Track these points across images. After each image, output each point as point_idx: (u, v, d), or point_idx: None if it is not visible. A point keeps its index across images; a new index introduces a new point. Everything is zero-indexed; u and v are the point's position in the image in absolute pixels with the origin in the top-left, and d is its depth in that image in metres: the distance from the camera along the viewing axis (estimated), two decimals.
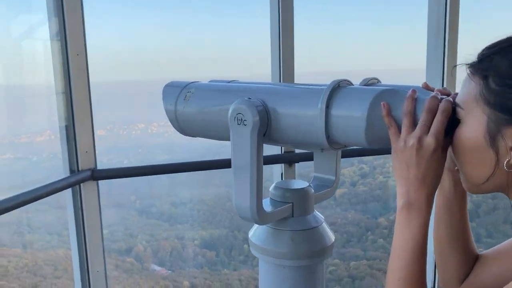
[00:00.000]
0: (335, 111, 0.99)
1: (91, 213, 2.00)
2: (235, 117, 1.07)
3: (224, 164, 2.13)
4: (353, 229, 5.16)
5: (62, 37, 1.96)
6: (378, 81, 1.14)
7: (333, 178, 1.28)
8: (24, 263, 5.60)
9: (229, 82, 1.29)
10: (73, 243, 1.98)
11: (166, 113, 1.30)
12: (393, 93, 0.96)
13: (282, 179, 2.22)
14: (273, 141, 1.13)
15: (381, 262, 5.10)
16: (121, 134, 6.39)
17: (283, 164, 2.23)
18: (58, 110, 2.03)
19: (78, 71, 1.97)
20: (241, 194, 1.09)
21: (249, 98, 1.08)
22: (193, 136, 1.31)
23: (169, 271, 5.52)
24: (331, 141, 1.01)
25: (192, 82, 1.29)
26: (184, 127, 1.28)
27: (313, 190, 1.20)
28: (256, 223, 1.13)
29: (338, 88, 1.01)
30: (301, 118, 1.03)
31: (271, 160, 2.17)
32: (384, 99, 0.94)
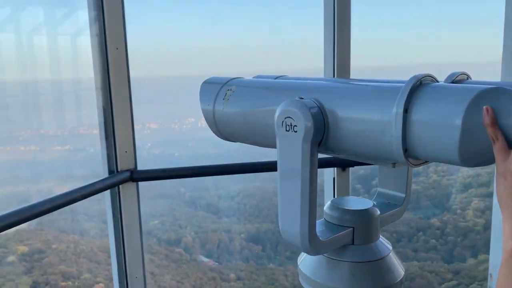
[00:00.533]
0: (416, 117, 0.71)
1: (130, 216, 1.81)
2: (283, 122, 0.81)
3: (270, 167, 1.89)
4: (404, 229, 4.80)
5: (101, 31, 1.78)
6: (468, 76, 0.85)
7: (403, 195, 1.00)
8: (81, 249, 5.68)
9: (276, 78, 1.04)
10: (112, 248, 1.80)
11: (203, 113, 1.07)
12: (499, 93, 0.67)
13: (334, 184, 1.94)
14: (330, 152, 0.86)
15: (433, 264, 4.71)
16: (172, 128, 6.36)
17: (335, 168, 1.94)
18: (97, 107, 1.86)
19: (118, 65, 1.78)
20: (289, 216, 0.84)
21: (301, 98, 0.82)
22: (232, 141, 1.07)
23: (216, 263, 5.41)
24: (409, 155, 0.74)
25: (233, 78, 1.05)
26: (223, 130, 1.04)
27: (378, 212, 0.93)
28: (307, 253, 0.87)
29: (419, 86, 0.73)
30: (369, 124, 0.76)
31: (322, 163, 1.88)
32: (487, 102, 0.65)
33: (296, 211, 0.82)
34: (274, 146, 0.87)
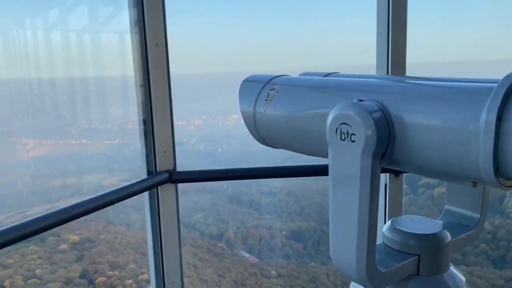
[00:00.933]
0: None
1: (168, 219, 1.71)
2: (337, 129, 0.65)
3: (315, 171, 1.72)
4: None
5: (141, 27, 1.68)
6: None
7: (477, 216, 0.82)
8: (128, 240, 5.75)
9: (326, 75, 0.88)
10: (150, 251, 1.71)
11: (242, 116, 0.92)
12: None
13: (386, 191, 1.75)
14: (395, 165, 0.70)
15: (483, 269, 4.39)
16: (216, 124, 6.33)
17: (388, 174, 1.75)
18: (137, 106, 1.76)
19: (157, 62, 1.67)
20: (343, 243, 0.68)
21: (360, 100, 0.66)
22: (274, 147, 0.92)
23: (257, 259, 5.33)
24: (502, 174, 0.56)
25: (278, 76, 0.90)
26: (264, 135, 0.89)
27: (449, 236, 0.75)
28: (363, 286, 0.71)
29: None
30: (448, 134, 0.59)
31: None
32: None
33: (352, 237, 0.66)
34: (324, 156, 0.71)
